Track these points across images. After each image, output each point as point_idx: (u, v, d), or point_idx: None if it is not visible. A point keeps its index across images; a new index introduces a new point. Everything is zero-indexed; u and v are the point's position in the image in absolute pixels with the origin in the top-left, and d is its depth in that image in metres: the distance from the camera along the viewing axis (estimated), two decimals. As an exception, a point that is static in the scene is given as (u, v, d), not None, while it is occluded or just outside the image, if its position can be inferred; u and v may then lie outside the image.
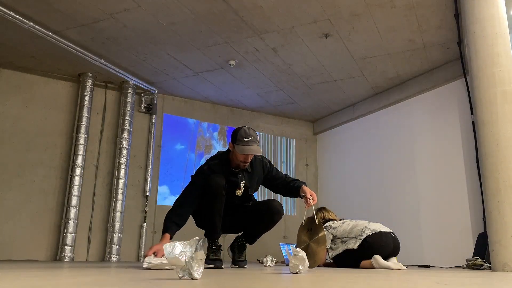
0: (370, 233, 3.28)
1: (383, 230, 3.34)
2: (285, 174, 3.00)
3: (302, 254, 2.04)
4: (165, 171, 5.75)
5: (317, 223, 2.59)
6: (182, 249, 1.80)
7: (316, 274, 2.04)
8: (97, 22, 4.10)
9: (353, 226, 3.43)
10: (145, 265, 2.24)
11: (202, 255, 1.50)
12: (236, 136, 2.70)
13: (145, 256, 2.39)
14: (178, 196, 2.78)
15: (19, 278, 1.40)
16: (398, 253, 3.39)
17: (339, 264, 3.38)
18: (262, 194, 5.83)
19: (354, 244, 3.28)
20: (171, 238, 2.54)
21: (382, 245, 3.25)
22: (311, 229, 2.61)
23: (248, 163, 2.78)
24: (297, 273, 2.01)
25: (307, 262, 2.06)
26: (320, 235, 2.54)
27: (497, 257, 2.69)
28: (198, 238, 1.82)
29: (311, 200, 2.70)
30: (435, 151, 4.93)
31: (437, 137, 4.94)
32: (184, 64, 5.00)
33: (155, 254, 2.37)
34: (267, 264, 2.99)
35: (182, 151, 5.99)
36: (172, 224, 2.58)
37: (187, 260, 1.46)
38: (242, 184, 2.83)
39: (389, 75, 5.25)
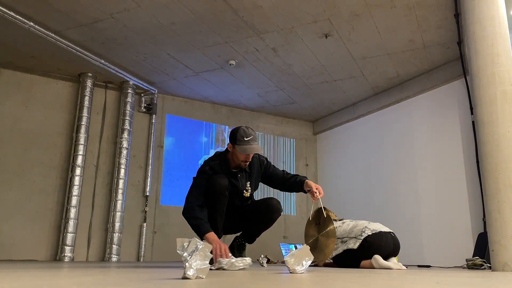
0: (370, 233, 3.28)
1: (383, 230, 3.33)
2: (283, 171, 2.99)
3: (300, 253, 2.03)
4: (166, 171, 5.75)
5: (325, 215, 2.57)
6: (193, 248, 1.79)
7: (316, 274, 2.04)
8: (97, 22, 4.10)
9: (353, 226, 3.43)
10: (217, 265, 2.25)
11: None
12: (236, 136, 2.69)
13: (215, 259, 2.36)
14: (188, 198, 2.72)
15: (19, 278, 1.40)
16: (398, 253, 3.38)
17: (339, 264, 3.38)
18: (261, 192, 5.83)
19: (354, 244, 3.28)
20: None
21: (382, 245, 3.24)
22: (319, 222, 2.60)
23: (248, 163, 2.78)
24: (292, 272, 2.01)
25: (308, 262, 2.05)
26: (329, 228, 2.52)
27: (497, 257, 2.69)
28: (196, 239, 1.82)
29: (318, 193, 2.69)
30: (435, 151, 4.93)
31: (437, 137, 4.94)
32: (184, 64, 5.00)
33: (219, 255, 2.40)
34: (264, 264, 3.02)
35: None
36: (206, 223, 2.58)
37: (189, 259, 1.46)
38: (248, 184, 2.84)
39: (389, 75, 5.25)
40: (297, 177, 2.88)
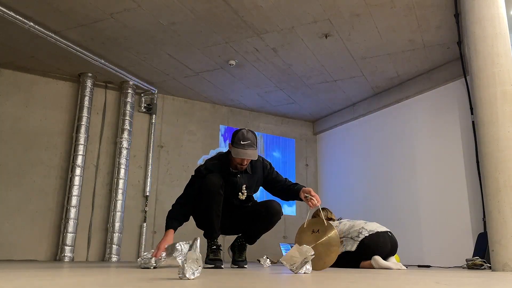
0: (367, 234, 3.27)
1: (380, 230, 3.33)
2: (286, 178, 2.99)
3: (298, 253, 2.02)
4: (165, 171, 5.74)
5: (326, 224, 2.56)
6: (180, 249, 1.79)
7: (316, 274, 2.04)
8: (97, 22, 4.10)
9: (350, 227, 3.43)
10: (150, 262, 2.25)
11: (195, 255, 1.48)
12: (234, 138, 2.70)
13: (153, 257, 2.37)
14: (178, 196, 2.81)
15: (19, 278, 1.40)
16: (396, 252, 3.39)
17: (338, 265, 3.37)
18: (262, 194, 5.82)
19: (351, 247, 3.28)
20: (174, 233, 2.62)
21: (380, 246, 3.25)
22: (318, 230, 2.58)
23: (245, 166, 2.77)
24: (291, 270, 2.00)
25: (300, 262, 2.03)
26: (331, 235, 2.50)
27: (497, 257, 2.69)
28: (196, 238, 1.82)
29: (315, 201, 2.68)
30: (435, 151, 4.93)
31: (437, 137, 4.94)
32: (184, 64, 5.00)
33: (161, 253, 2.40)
34: (266, 264, 3.02)
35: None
36: (174, 220, 2.67)
37: (181, 260, 1.46)
38: (244, 187, 2.83)
39: (389, 75, 5.25)
40: (297, 185, 2.88)
